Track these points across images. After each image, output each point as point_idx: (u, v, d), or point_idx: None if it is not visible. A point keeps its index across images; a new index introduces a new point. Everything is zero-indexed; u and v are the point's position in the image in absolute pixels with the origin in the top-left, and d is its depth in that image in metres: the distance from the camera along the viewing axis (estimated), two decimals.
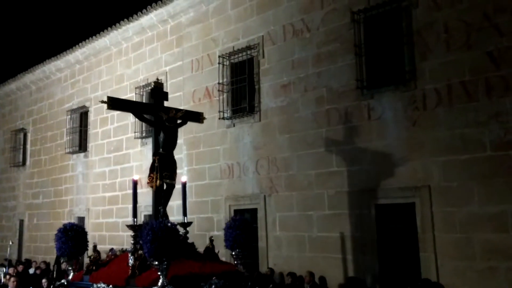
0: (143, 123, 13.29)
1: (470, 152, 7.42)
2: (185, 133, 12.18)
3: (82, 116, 16.00)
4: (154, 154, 6.13)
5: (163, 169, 5.98)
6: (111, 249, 6.53)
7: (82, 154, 15.45)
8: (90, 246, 6.08)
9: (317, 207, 9.25)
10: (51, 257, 15.57)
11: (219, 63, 11.35)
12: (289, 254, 9.62)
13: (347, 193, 8.83)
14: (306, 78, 9.74)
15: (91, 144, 15.17)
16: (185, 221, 5.76)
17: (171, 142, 6.21)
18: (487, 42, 7.41)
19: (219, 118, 11.15)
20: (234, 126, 11.01)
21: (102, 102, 5.90)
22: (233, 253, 6.07)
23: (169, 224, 4.90)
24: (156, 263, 4.76)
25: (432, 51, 8.04)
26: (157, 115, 6.24)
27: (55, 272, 10.34)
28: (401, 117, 8.28)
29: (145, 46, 13.73)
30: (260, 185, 10.36)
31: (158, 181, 5.92)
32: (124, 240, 12.42)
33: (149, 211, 12.82)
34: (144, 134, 13.29)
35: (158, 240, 4.71)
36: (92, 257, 5.82)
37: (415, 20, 8.29)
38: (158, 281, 4.82)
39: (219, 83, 11.26)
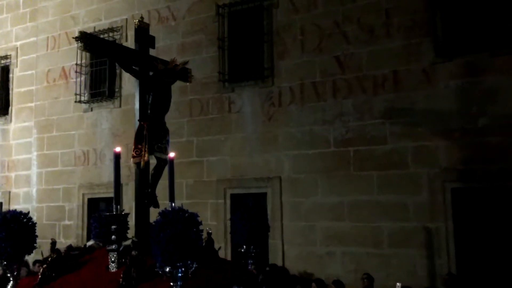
0: None
1: (317, 147, 8.10)
2: (36, 115, 11.29)
3: None
4: (141, 119, 4.69)
5: (154, 139, 4.65)
6: (69, 246, 4.86)
7: None
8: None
9: (175, 196, 9.24)
10: None
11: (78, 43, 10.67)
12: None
13: (205, 182, 9.02)
14: None
15: None
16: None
17: (165, 103, 4.81)
18: (336, 47, 8.13)
19: (76, 102, 10.53)
20: (91, 110, 10.49)
21: (76, 38, 4.48)
22: (243, 250, 5.01)
23: (186, 215, 3.58)
24: (169, 269, 3.43)
25: (289, 51, 8.56)
26: (146, 66, 4.79)
27: None
28: (259, 111, 8.70)
29: None
30: None
31: (146, 155, 4.57)
32: None
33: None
34: None
35: (178, 237, 3.38)
36: (50, 259, 4.15)
37: (276, 20, 8.73)
38: None
39: (76, 64, 10.60)
